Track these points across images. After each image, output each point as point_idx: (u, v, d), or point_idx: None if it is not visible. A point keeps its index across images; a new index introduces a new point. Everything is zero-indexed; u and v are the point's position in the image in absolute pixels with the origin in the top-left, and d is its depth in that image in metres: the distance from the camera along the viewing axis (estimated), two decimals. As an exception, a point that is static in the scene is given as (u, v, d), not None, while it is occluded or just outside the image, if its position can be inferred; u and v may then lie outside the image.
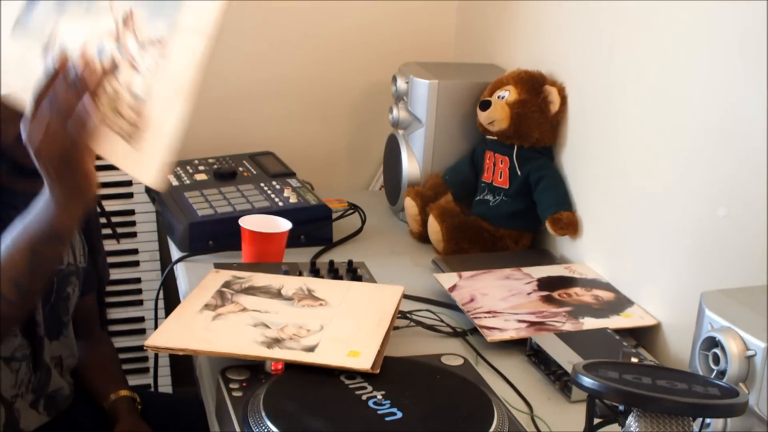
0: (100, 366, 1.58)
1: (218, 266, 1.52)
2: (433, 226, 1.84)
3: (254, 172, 2.04)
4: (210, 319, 1.31)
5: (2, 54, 1.00)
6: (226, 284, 1.43)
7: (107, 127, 0.96)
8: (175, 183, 1.98)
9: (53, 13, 0.99)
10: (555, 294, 1.60)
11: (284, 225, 1.65)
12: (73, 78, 0.93)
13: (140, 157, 0.94)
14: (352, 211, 2.03)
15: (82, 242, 1.49)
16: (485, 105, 1.83)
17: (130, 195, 2.22)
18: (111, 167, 2.32)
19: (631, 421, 0.90)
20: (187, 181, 1.98)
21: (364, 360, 1.20)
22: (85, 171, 0.99)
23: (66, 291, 1.44)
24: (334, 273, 1.59)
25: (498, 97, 1.84)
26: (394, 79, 2.06)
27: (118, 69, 0.94)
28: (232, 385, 1.17)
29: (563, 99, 1.81)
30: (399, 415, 1.10)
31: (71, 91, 0.93)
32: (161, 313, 2.10)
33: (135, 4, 0.94)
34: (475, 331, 1.47)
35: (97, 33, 0.95)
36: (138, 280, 2.28)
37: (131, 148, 0.95)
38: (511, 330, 1.45)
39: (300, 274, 1.54)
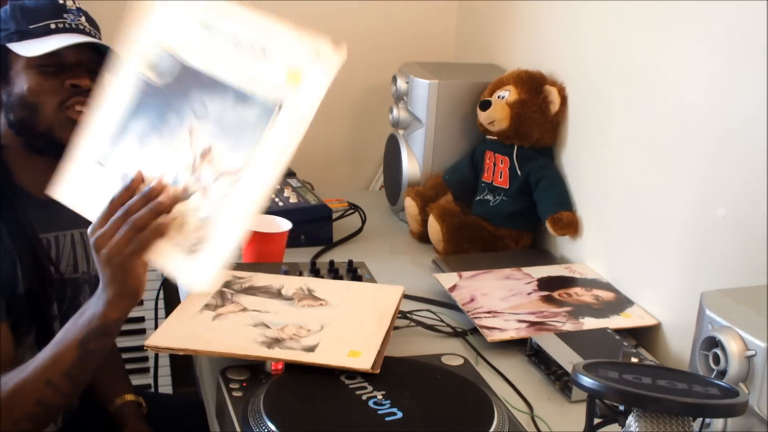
0: (104, 369, 1.57)
1: (218, 266, 1.52)
2: (433, 226, 1.84)
3: (254, 172, 2.04)
4: (210, 319, 1.31)
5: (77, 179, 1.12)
6: (227, 284, 1.43)
7: (169, 243, 1.06)
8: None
9: (136, 148, 1.11)
10: (555, 294, 1.60)
11: (284, 225, 1.65)
12: (149, 198, 1.05)
13: (194, 269, 1.04)
14: (352, 211, 2.03)
15: None
16: (485, 105, 1.83)
17: (130, 195, 2.22)
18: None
19: (631, 421, 0.90)
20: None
21: (364, 360, 1.20)
22: (138, 275, 1.09)
23: (79, 299, 1.44)
24: (334, 273, 1.59)
25: (498, 97, 1.84)
26: (394, 79, 2.06)
27: (189, 196, 1.06)
28: (232, 385, 1.17)
29: (563, 99, 1.81)
30: (399, 415, 1.10)
31: (147, 209, 1.04)
32: (161, 313, 2.10)
33: (210, 132, 1.06)
34: (475, 331, 1.47)
35: (175, 165, 1.07)
36: None
37: (187, 261, 1.04)
38: (511, 330, 1.45)
39: (300, 274, 1.54)
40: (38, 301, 1.33)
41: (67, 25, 1.30)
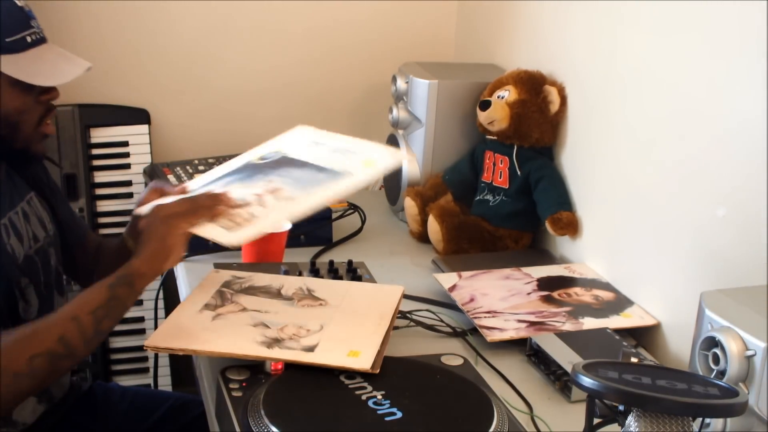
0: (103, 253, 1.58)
1: (218, 266, 1.52)
2: (433, 226, 1.84)
3: (254, 172, 2.04)
4: (210, 319, 1.31)
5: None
6: (226, 284, 1.43)
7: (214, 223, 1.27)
8: (175, 183, 1.98)
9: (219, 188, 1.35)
10: (555, 294, 1.60)
11: (284, 225, 1.65)
12: (215, 195, 1.29)
13: (230, 237, 1.24)
14: (352, 211, 2.03)
15: (45, 210, 1.46)
16: (485, 105, 1.83)
17: (130, 195, 2.23)
18: (111, 167, 2.33)
19: (630, 421, 0.90)
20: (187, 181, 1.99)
21: (364, 360, 1.20)
22: (177, 241, 1.23)
23: (51, 266, 1.42)
24: (334, 273, 1.59)
25: (498, 97, 1.84)
26: (394, 79, 2.06)
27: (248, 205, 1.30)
28: (232, 385, 1.17)
29: (563, 99, 1.81)
30: (399, 415, 1.10)
31: (209, 197, 1.27)
32: (161, 313, 2.10)
33: (285, 182, 1.32)
34: (475, 331, 1.47)
35: (246, 194, 1.31)
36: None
37: (226, 233, 1.25)
38: (511, 330, 1.45)
39: (300, 274, 1.54)
40: (13, 297, 1.32)
41: (38, 36, 1.28)
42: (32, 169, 1.44)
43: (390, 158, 1.37)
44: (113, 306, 1.21)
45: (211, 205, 1.26)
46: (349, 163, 1.33)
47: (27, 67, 1.24)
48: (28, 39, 1.26)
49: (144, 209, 1.30)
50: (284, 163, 1.38)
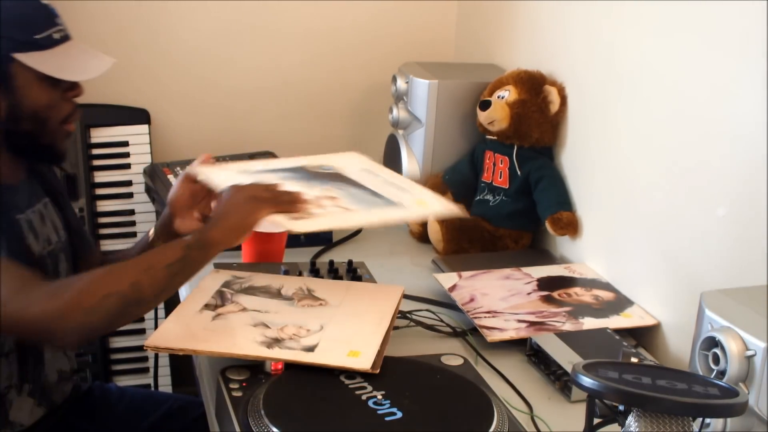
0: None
1: (218, 266, 1.52)
2: (433, 226, 1.84)
3: (254, 172, 2.04)
4: (210, 319, 1.31)
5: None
6: (226, 284, 1.43)
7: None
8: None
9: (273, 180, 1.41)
10: (555, 294, 1.60)
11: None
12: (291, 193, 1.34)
13: (295, 225, 1.30)
14: (352, 211, 2.02)
15: (58, 217, 1.47)
16: (485, 105, 1.83)
17: (130, 195, 2.22)
18: (111, 167, 2.33)
19: (631, 421, 0.90)
20: (187, 181, 1.98)
21: (364, 360, 1.20)
22: (252, 221, 1.29)
23: (59, 270, 1.43)
24: (334, 273, 1.59)
25: (498, 97, 1.84)
26: (394, 79, 2.06)
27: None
28: (232, 385, 1.17)
29: (563, 99, 1.81)
30: (399, 415, 1.10)
31: (291, 194, 1.33)
32: (161, 313, 2.10)
33: (341, 194, 1.39)
34: (475, 331, 1.47)
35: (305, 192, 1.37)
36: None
37: (292, 221, 1.31)
38: (511, 330, 1.45)
39: (300, 274, 1.54)
40: None
41: (64, 34, 1.30)
42: (47, 177, 1.47)
43: (441, 207, 1.42)
44: (186, 265, 1.25)
45: (292, 201, 1.32)
46: (403, 197, 1.40)
47: (55, 63, 1.27)
48: (55, 36, 1.28)
49: (217, 184, 1.38)
50: (339, 178, 1.43)
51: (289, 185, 1.37)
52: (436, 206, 1.41)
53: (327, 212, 1.32)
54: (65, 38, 1.30)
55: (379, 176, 1.47)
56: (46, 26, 1.27)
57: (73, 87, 1.32)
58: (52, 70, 1.26)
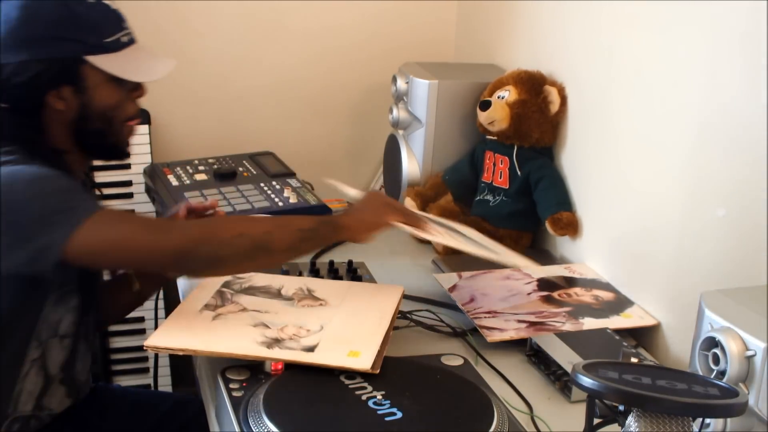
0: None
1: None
2: (433, 226, 1.84)
3: (254, 172, 2.04)
4: (210, 319, 1.31)
5: None
6: (226, 284, 1.43)
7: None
8: (175, 183, 1.98)
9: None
10: (555, 294, 1.60)
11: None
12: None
13: (412, 230, 1.48)
14: (352, 211, 2.02)
15: None
16: (485, 105, 1.83)
17: (130, 195, 2.22)
18: (111, 167, 2.32)
19: (630, 421, 0.90)
20: (187, 181, 1.99)
21: (364, 360, 1.20)
22: (383, 222, 1.43)
23: (93, 276, 1.46)
24: (334, 273, 1.59)
25: (498, 97, 1.84)
26: (394, 79, 2.06)
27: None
28: (232, 385, 1.18)
29: (563, 99, 1.81)
30: (399, 415, 1.10)
31: (416, 213, 1.54)
32: (161, 313, 2.10)
33: (456, 235, 1.55)
34: (475, 331, 1.47)
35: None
36: None
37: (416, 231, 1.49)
38: (511, 330, 1.45)
39: (300, 274, 1.54)
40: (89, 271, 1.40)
41: (130, 38, 1.38)
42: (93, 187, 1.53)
43: (535, 268, 1.59)
44: (315, 236, 1.35)
45: (418, 218, 1.50)
46: (503, 251, 1.55)
47: (123, 65, 1.34)
48: (123, 39, 1.36)
49: (355, 192, 1.61)
50: (455, 230, 1.58)
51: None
52: (529, 265, 1.57)
53: (442, 235, 1.49)
54: (131, 41, 1.38)
55: (489, 243, 1.61)
56: (115, 30, 1.35)
57: (137, 87, 1.40)
58: (121, 71, 1.34)
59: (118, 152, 1.43)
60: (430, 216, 1.65)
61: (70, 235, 1.19)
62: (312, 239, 1.35)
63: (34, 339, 1.32)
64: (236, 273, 1.46)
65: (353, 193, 1.58)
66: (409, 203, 1.94)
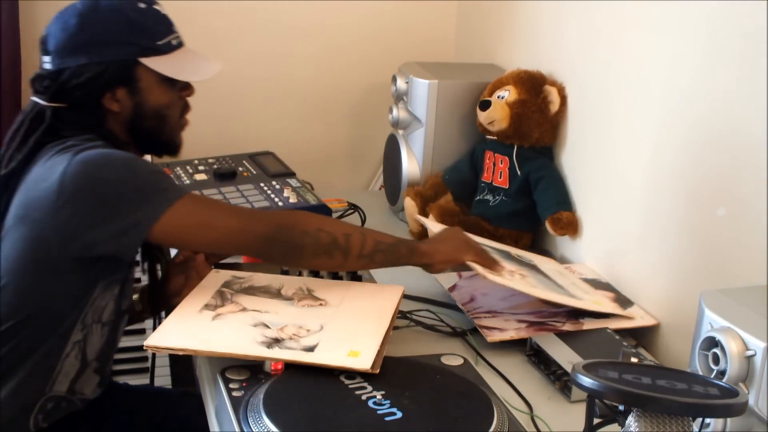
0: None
1: (218, 266, 1.52)
2: (433, 227, 1.84)
3: (254, 172, 2.04)
4: (210, 319, 1.31)
5: None
6: (226, 284, 1.43)
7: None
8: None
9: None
10: (555, 294, 1.60)
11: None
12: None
13: (485, 273, 1.48)
14: (352, 211, 2.03)
15: None
16: (485, 105, 1.83)
17: (130, 195, 2.22)
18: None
19: (630, 421, 0.90)
20: (187, 181, 1.98)
21: (364, 360, 1.20)
22: (459, 257, 1.49)
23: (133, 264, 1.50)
24: (334, 273, 1.58)
25: (498, 97, 1.84)
26: (394, 79, 2.06)
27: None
28: (232, 385, 1.18)
29: (563, 99, 1.81)
30: (399, 415, 1.10)
31: (492, 256, 1.54)
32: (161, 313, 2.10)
33: (531, 274, 1.57)
34: (475, 331, 1.47)
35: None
36: (138, 280, 2.28)
37: (483, 270, 1.49)
38: (511, 330, 1.45)
39: (300, 274, 1.54)
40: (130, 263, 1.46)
41: (179, 40, 1.45)
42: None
43: (614, 309, 1.53)
44: (391, 252, 1.42)
45: (493, 260, 1.53)
46: (582, 295, 1.55)
47: (174, 66, 1.41)
48: (173, 42, 1.43)
49: (439, 227, 1.66)
50: (534, 268, 1.61)
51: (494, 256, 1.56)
52: (608, 308, 1.52)
53: (514, 279, 1.51)
54: (180, 44, 1.45)
55: (568, 278, 1.62)
56: (166, 33, 1.42)
57: (187, 87, 1.47)
58: (172, 72, 1.41)
59: (171, 147, 1.50)
60: (506, 247, 1.70)
61: (161, 214, 1.26)
62: (388, 253, 1.42)
63: (80, 321, 1.35)
64: (311, 267, 1.50)
65: (437, 228, 1.63)
66: (409, 203, 1.94)
